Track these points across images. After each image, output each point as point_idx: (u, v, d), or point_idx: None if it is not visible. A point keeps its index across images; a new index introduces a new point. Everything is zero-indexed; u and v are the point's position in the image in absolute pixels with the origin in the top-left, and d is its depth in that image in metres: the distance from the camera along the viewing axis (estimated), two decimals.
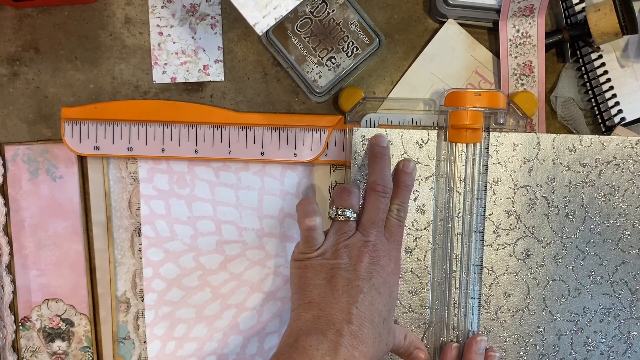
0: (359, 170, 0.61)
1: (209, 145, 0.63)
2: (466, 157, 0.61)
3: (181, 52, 0.64)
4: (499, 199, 0.61)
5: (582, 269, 0.62)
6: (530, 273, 0.62)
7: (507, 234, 0.62)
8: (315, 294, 0.55)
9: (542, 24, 0.62)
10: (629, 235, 0.62)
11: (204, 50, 0.64)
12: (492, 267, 0.62)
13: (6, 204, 0.64)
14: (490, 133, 0.61)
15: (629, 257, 0.62)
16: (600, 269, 0.62)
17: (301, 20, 0.60)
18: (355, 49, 0.60)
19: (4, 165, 0.64)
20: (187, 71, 0.64)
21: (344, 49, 0.60)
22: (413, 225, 0.61)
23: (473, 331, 0.61)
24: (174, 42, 0.64)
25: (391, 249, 0.57)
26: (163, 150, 0.63)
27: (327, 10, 0.60)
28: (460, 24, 0.64)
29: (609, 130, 0.64)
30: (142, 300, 0.65)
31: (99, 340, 0.66)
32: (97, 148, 0.63)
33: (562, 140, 0.61)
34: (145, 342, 0.66)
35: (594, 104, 0.64)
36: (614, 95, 0.63)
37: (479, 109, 0.59)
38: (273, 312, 0.66)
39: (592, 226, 0.62)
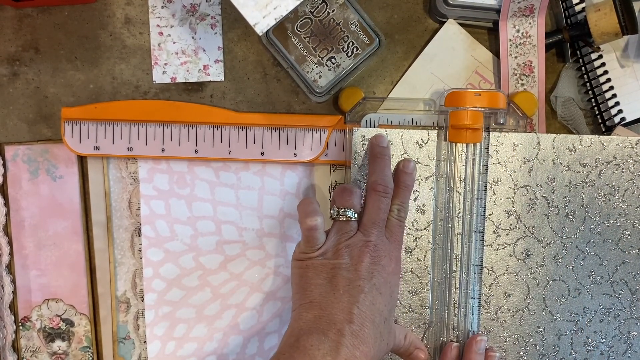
0: (359, 170, 0.61)
1: (209, 145, 0.63)
2: (466, 157, 0.61)
3: (181, 52, 0.64)
4: (499, 199, 0.61)
5: (582, 269, 0.62)
6: (530, 273, 0.62)
7: (507, 234, 0.62)
8: (317, 293, 0.55)
9: (542, 24, 0.62)
10: (629, 235, 0.62)
11: (204, 50, 0.64)
12: (492, 267, 0.62)
13: (6, 204, 0.64)
14: (490, 133, 0.61)
15: (629, 257, 0.62)
16: (600, 269, 0.62)
17: (301, 20, 0.60)
18: (355, 49, 0.60)
19: (4, 165, 0.64)
20: (187, 71, 0.64)
21: (344, 49, 0.60)
22: (413, 225, 0.61)
23: (473, 331, 0.61)
24: (174, 42, 0.64)
25: (392, 249, 0.57)
26: (163, 150, 0.63)
27: (327, 10, 0.60)
28: (460, 24, 0.64)
29: (609, 130, 0.64)
30: (142, 300, 0.65)
31: (99, 340, 0.66)
32: (97, 148, 0.63)
33: (562, 140, 0.61)
34: (145, 342, 0.66)
35: (594, 104, 0.64)
36: (614, 95, 0.63)
37: (479, 109, 0.59)
38: (273, 312, 0.66)
39: (592, 226, 0.62)
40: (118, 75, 0.64)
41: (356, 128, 0.61)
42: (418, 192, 0.61)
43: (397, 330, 0.59)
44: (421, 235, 0.61)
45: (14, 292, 0.65)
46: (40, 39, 0.64)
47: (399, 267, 0.59)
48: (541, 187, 0.61)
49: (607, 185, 0.62)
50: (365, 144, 0.61)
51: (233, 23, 0.64)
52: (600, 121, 0.64)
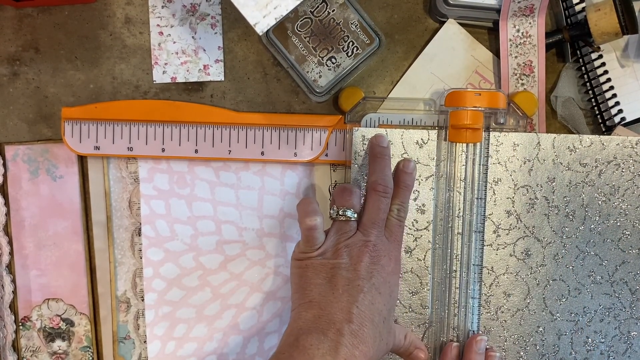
0: (359, 170, 0.61)
1: (209, 145, 0.63)
2: (466, 157, 0.61)
3: (181, 52, 0.64)
4: (499, 199, 0.61)
5: (582, 269, 0.62)
6: (530, 273, 0.62)
7: (507, 234, 0.62)
8: (316, 293, 0.55)
9: (542, 23, 0.62)
10: (629, 235, 0.62)
11: (204, 50, 0.64)
12: (492, 267, 0.62)
13: (6, 203, 0.64)
14: (491, 133, 0.61)
15: (629, 257, 0.62)
16: (600, 268, 0.62)
17: (301, 20, 0.60)
18: (355, 48, 0.60)
19: (4, 165, 0.64)
20: (187, 71, 0.64)
21: (344, 49, 0.60)
22: (413, 225, 0.61)
23: (473, 331, 0.61)
24: (174, 42, 0.64)
25: (391, 249, 0.57)
26: (163, 150, 0.63)
27: (327, 10, 0.60)
28: (460, 24, 0.64)
29: (609, 130, 0.64)
30: (142, 300, 0.65)
31: (99, 340, 0.66)
32: (97, 148, 0.63)
33: (562, 140, 0.61)
34: (145, 342, 0.66)
35: (594, 104, 0.64)
36: (614, 95, 0.63)
37: (479, 108, 0.59)
38: (273, 312, 0.66)
39: (592, 226, 0.62)
40: (118, 75, 0.64)
41: (356, 128, 0.61)
42: (418, 192, 0.61)
43: (397, 330, 0.59)
44: (421, 235, 0.61)
45: (14, 292, 0.65)
46: (40, 39, 0.64)
47: (399, 267, 0.59)
48: (541, 187, 0.61)
49: (607, 185, 0.62)
50: (365, 144, 0.61)
51: (233, 23, 0.64)
52: (600, 121, 0.64)
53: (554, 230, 0.62)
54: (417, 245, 0.61)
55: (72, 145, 0.63)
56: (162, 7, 0.64)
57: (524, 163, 0.61)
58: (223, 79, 0.64)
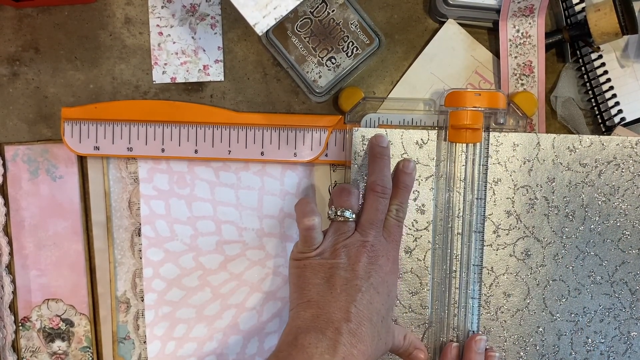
0: (359, 170, 0.61)
1: (209, 145, 0.63)
2: (466, 157, 0.61)
3: (181, 52, 0.64)
4: (499, 199, 0.61)
5: (582, 269, 0.62)
6: (530, 273, 0.62)
7: (507, 234, 0.62)
8: (314, 292, 0.55)
9: (542, 24, 0.62)
10: (629, 235, 0.62)
11: (204, 50, 0.64)
12: (492, 267, 0.62)
13: (6, 204, 0.64)
14: (490, 133, 0.61)
15: (629, 257, 0.62)
16: (600, 269, 0.62)
17: (301, 20, 0.60)
18: (355, 49, 0.60)
19: (4, 165, 0.64)
20: (187, 71, 0.64)
21: (344, 49, 0.60)
22: (413, 225, 0.61)
23: (473, 331, 0.61)
24: (174, 42, 0.64)
25: (389, 249, 0.57)
26: (163, 150, 0.63)
27: (327, 10, 0.60)
28: (460, 24, 0.64)
29: (609, 130, 0.64)
30: (142, 300, 0.65)
31: (99, 340, 0.66)
32: (97, 148, 0.63)
33: (562, 140, 0.61)
34: (145, 342, 0.66)
35: (594, 104, 0.64)
36: (614, 95, 0.63)
37: (479, 109, 0.59)
38: (273, 312, 0.66)
39: (592, 226, 0.62)
40: (118, 75, 0.64)
41: (356, 128, 0.61)
42: (418, 192, 0.61)
43: (396, 331, 0.59)
44: (421, 235, 0.61)
45: (14, 292, 0.65)
46: (40, 39, 0.64)
47: (397, 267, 0.59)
48: (541, 187, 0.61)
49: (607, 185, 0.62)
50: (365, 144, 0.61)
51: (233, 23, 0.64)
52: (600, 121, 0.64)
53: (553, 231, 0.62)
54: (417, 246, 0.61)
55: (72, 146, 0.63)
56: (162, 7, 0.64)
57: (524, 163, 0.61)
58: (223, 79, 0.64)
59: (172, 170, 0.64)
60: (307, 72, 0.60)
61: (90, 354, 0.66)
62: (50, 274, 0.65)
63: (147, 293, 0.65)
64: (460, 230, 0.61)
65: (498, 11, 0.62)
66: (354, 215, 0.57)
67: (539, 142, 0.61)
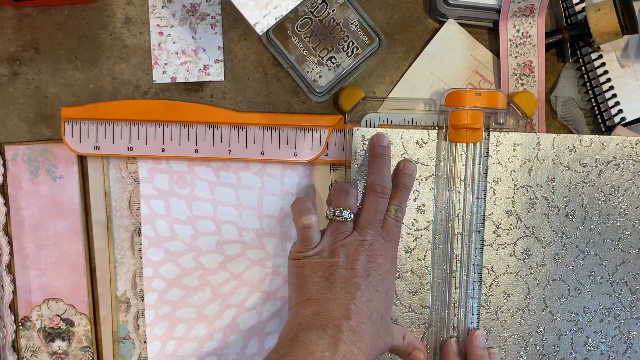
0: (359, 170, 0.61)
1: (209, 145, 0.63)
2: (466, 157, 0.61)
3: (181, 52, 0.64)
4: (499, 199, 0.61)
5: (582, 269, 0.62)
6: (530, 273, 0.62)
7: (507, 234, 0.62)
8: (314, 290, 0.55)
9: (542, 23, 0.62)
10: (629, 235, 0.62)
11: (204, 50, 0.64)
12: (492, 267, 0.62)
13: (6, 203, 0.64)
14: (490, 133, 0.61)
15: (629, 257, 0.62)
16: (600, 268, 0.62)
17: (301, 20, 0.60)
18: (355, 48, 0.60)
19: (4, 165, 0.64)
20: (187, 71, 0.64)
21: (344, 49, 0.60)
22: (413, 225, 0.61)
23: (472, 329, 0.61)
24: (174, 42, 0.64)
25: (388, 248, 0.57)
26: (163, 150, 0.63)
27: (327, 10, 0.60)
28: (460, 24, 0.64)
29: (609, 130, 0.64)
30: (142, 300, 0.65)
31: (99, 340, 0.66)
32: (97, 148, 0.63)
33: (562, 140, 0.61)
34: (145, 342, 0.65)
35: (594, 104, 0.64)
36: (614, 95, 0.63)
37: (479, 108, 0.59)
38: (273, 312, 0.66)
39: (592, 226, 0.62)
40: (118, 75, 0.64)
41: (356, 128, 0.61)
42: (418, 191, 0.61)
43: (395, 330, 0.59)
44: (421, 235, 0.61)
45: (14, 292, 0.65)
46: (40, 39, 0.64)
47: (395, 266, 0.59)
48: (541, 186, 0.61)
49: (607, 185, 0.62)
50: (365, 144, 0.61)
51: (233, 23, 0.64)
52: (600, 121, 0.64)
53: (553, 230, 0.62)
54: (417, 245, 0.61)
55: (72, 145, 0.63)
56: (162, 7, 0.64)
57: (524, 163, 0.61)
58: (223, 79, 0.64)
59: (172, 170, 0.64)
60: (307, 71, 0.60)
61: (90, 354, 0.66)
62: (51, 273, 0.65)
63: (147, 293, 0.65)
64: (460, 230, 0.61)
65: (498, 11, 0.62)
66: (352, 216, 0.57)
67: (539, 142, 0.61)
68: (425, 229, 0.61)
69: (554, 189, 0.62)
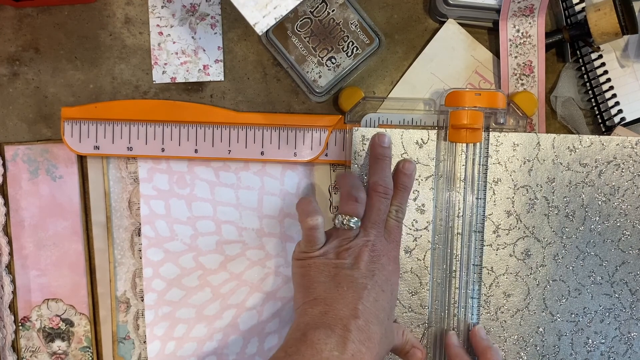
0: (359, 170, 0.61)
1: (209, 145, 0.63)
2: (466, 157, 0.61)
3: (181, 52, 0.64)
4: (499, 199, 0.61)
5: (582, 269, 0.62)
6: (530, 273, 0.62)
7: (507, 234, 0.62)
8: (320, 290, 0.54)
9: (542, 23, 0.62)
10: (629, 235, 0.62)
11: (204, 50, 0.64)
12: (492, 267, 0.62)
13: (6, 204, 0.64)
14: (490, 133, 0.61)
15: (629, 257, 0.62)
16: (600, 269, 0.62)
17: (301, 20, 0.60)
18: (355, 49, 0.60)
19: (4, 165, 0.64)
20: (187, 71, 0.64)
21: (344, 49, 0.60)
22: (413, 225, 0.61)
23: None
24: (174, 42, 0.64)
25: (390, 249, 0.57)
26: (163, 150, 0.63)
27: (327, 10, 0.60)
28: (460, 24, 0.64)
29: (609, 130, 0.64)
30: (142, 300, 0.65)
31: (99, 340, 0.66)
32: (97, 148, 0.63)
33: (562, 140, 0.61)
34: (145, 342, 0.65)
35: (594, 104, 0.64)
36: (614, 95, 0.63)
37: (479, 108, 0.59)
38: (273, 312, 0.66)
39: (592, 226, 0.62)
40: (118, 75, 0.64)
41: (356, 128, 0.61)
42: (418, 191, 0.61)
43: (394, 328, 0.58)
44: (421, 235, 0.61)
45: (14, 292, 0.65)
46: (40, 39, 0.64)
47: (398, 267, 0.59)
48: (541, 187, 0.61)
49: (607, 185, 0.61)
50: (365, 144, 0.61)
51: (233, 23, 0.64)
52: (600, 121, 0.64)
53: (553, 231, 0.62)
54: (417, 245, 0.61)
55: (72, 145, 0.63)
56: (162, 7, 0.64)
57: (524, 163, 0.61)
58: (223, 79, 0.64)
59: (172, 170, 0.64)
60: (307, 72, 0.60)
61: (90, 354, 0.66)
62: (50, 274, 0.65)
63: (147, 293, 0.65)
64: (460, 230, 0.61)
65: (498, 11, 0.62)
66: (359, 223, 0.57)
67: (539, 142, 0.61)
68: (425, 229, 0.61)
69: (554, 189, 0.61)
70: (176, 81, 0.64)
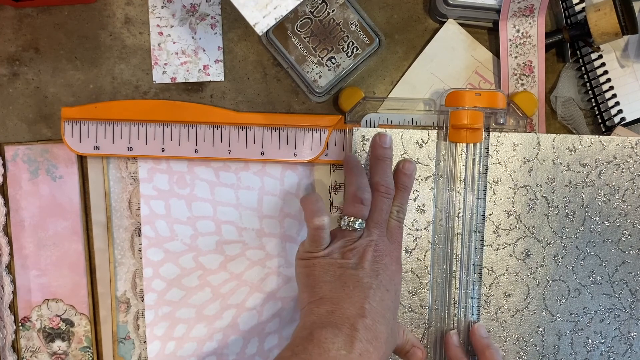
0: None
1: (209, 145, 0.63)
2: (466, 157, 0.61)
3: (181, 52, 0.64)
4: (499, 199, 0.61)
5: (582, 269, 0.62)
6: (530, 273, 0.62)
7: (507, 234, 0.62)
8: (326, 289, 0.54)
9: (542, 24, 0.62)
10: (629, 235, 0.62)
11: (204, 50, 0.64)
12: (492, 267, 0.62)
13: (6, 204, 0.64)
14: (490, 133, 0.61)
15: (629, 257, 0.62)
16: (600, 269, 0.62)
17: (301, 20, 0.60)
18: (355, 49, 0.60)
19: (4, 165, 0.64)
20: (187, 71, 0.64)
21: (344, 49, 0.60)
22: (413, 225, 0.61)
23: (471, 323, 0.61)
24: (174, 42, 0.64)
25: (392, 249, 0.57)
26: (163, 150, 0.63)
27: (327, 10, 0.60)
28: (460, 24, 0.64)
29: (609, 130, 0.64)
30: (142, 300, 0.65)
31: (99, 340, 0.66)
32: (97, 148, 0.63)
33: (562, 140, 0.61)
34: (145, 342, 0.65)
35: (594, 104, 0.64)
36: (614, 95, 0.63)
37: (479, 108, 0.59)
38: (273, 312, 0.66)
39: (592, 226, 0.62)
40: (118, 75, 0.64)
41: (356, 128, 0.61)
42: (418, 192, 0.61)
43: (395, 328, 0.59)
44: (421, 235, 0.61)
45: (14, 292, 0.65)
46: (40, 39, 0.64)
47: (400, 268, 0.59)
48: (541, 187, 0.61)
49: (607, 185, 0.62)
50: (365, 144, 0.61)
51: (233, 23, 0.64)
52: (600, 121, 0.64)
53: (553, 231, 0.62)
54: (417, 245, 0.61)
55: (72, 145, 0.63)
56: (162, 7, 0.64)
57: (524, 163, 0.61)
58: (223, 79, 0.64)
59: (172, 170, 0.64)
60: (307, 72, 0.60)
61: (90, 354, 0.66)
62: (50, 274, 0.65)
63: (147, 293, 0.65)
64: (460, 230, 0.61)
65: (498, 11, 0.62)
66: (364, 224, 0.57)
67: (539, 142, 0.61)
68: (425, 229, 0.61)
69: (554, 190, 0.61)
70: (176, 81, 0.64)
